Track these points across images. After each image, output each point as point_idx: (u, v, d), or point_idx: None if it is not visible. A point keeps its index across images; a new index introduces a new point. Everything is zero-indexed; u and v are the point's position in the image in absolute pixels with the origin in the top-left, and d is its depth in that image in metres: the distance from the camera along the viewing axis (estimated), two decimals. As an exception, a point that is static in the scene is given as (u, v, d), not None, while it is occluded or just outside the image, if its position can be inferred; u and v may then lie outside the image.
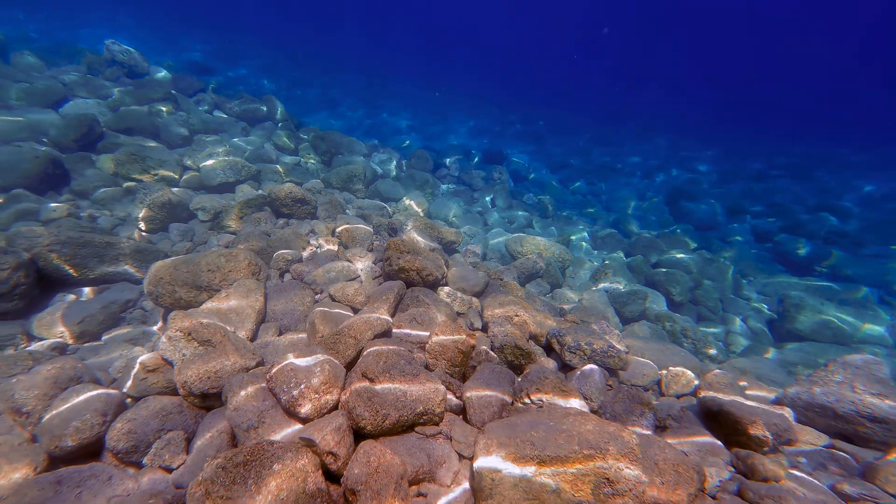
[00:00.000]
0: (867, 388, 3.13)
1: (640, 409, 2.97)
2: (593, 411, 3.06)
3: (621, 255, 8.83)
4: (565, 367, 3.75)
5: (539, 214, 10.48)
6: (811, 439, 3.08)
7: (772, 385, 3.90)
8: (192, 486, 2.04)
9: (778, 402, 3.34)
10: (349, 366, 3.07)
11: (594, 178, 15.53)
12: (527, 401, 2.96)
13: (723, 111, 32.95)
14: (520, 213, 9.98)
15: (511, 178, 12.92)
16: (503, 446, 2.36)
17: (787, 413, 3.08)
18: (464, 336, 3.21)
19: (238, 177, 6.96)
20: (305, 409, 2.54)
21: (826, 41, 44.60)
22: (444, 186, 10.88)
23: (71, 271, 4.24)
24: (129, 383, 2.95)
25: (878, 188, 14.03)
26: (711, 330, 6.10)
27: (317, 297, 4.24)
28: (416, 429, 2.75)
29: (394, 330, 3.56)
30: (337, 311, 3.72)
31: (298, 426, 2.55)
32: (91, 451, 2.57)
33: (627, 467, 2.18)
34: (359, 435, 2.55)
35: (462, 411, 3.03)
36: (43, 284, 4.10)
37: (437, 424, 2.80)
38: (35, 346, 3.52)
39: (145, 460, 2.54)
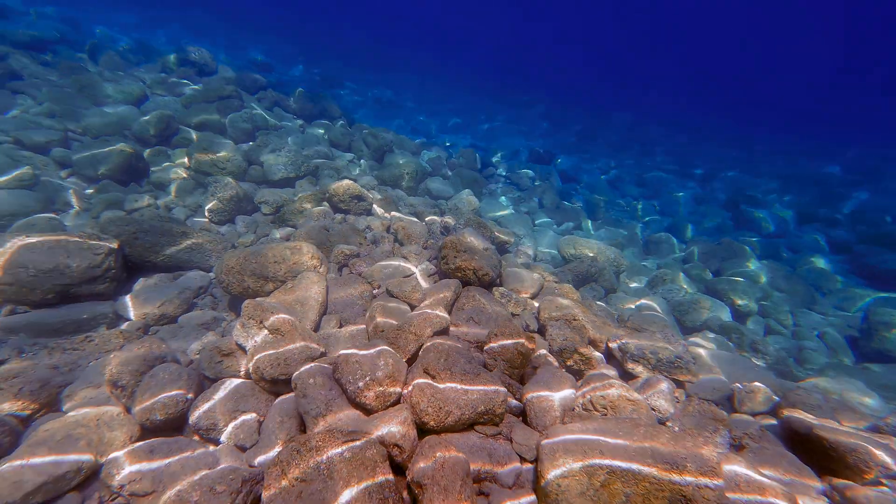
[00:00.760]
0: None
1: (714, 426, 2.80)
2: (661, 423, 2.92)
3: (678, 261, 8.40)
4: (626, 376, 3.60)
5: (589, 217, 10.17)
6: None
7: (863, 409, 3.54)
8: (268, 465, 2.14)
9: (876, 429, 3.03)
10: (410, 361, 3.11)
11: (646, 180, 14.85)
12: (590, 407, 2.87)
13: (791, 115, 30.70)
14: (569, 213, 9.72)
15: (559, 178, 12.62)
16: (570, 453, 2.30)
17: (893, 443, 2.78)
18: (524, 339, 3.16)
19: (297, 172, 7.24)
20: (371, 400, 2.60)
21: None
22: (491, 186, 10.80)
23: (151, 257, 4.59)
24: (205, 365, 3.15)
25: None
26: (783, 345, 5.65)
27: (374, 291, 4.33)
28: (476, 428, 2.74)
29: (451, 328, 3.57)
30: (394, 305, 3.78)
31: (363, 416, 2.61)
32: (175, 425, 2.78)
33: (707, 486, 2.06)
34: (420, 430, 2.58)
35: (521, 413, 2.98)
36: (128, 269, 4.46)
37: (496, 425, 2.78)
38: (125, 325, 3.83)
39: (222, 437, 2.70)
